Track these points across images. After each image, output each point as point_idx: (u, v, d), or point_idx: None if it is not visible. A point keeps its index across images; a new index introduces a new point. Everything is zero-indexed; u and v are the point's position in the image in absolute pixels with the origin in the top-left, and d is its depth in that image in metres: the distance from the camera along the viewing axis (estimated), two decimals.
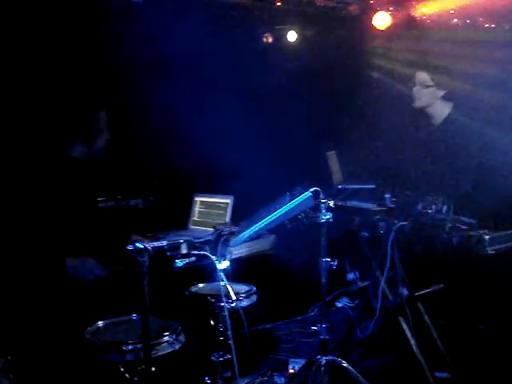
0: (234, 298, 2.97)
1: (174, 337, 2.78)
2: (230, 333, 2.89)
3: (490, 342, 3.93)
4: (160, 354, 2.69)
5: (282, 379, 4.07)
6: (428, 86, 4.29)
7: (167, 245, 2.53)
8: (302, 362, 4.12)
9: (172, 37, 4.47)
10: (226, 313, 2.88)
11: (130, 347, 2.64)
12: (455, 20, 5.01)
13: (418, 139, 4.42)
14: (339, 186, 4.64)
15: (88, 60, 4.45)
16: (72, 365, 3.03)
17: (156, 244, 2.44)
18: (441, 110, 4.35)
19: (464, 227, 3.54)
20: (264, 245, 4.24)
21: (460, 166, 4.07)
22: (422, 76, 4.32)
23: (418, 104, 4.38)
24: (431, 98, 4.33)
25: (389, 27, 4.92)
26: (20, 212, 3.27)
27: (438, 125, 4.37)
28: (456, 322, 4.06)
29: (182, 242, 2.61)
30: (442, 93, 4.31)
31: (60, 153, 3.62)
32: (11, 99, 4.21)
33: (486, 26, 4.97)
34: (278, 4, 4.73)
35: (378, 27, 4.88)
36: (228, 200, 4.50)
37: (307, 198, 3.16)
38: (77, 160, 3.66)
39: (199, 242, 3.87)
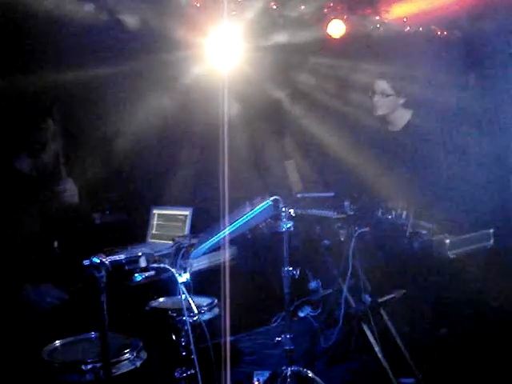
0: (195, 311, 2.90)
1: (134, 354, 2.71)
2: (192, 347, 2.82)
3: (452, 346, 3.96)
4: (121, 371, 2.61)
5: None
6: (388, 95, 4.30)
7: (125, 259, 2.45)
8: (267, 373, 4.08)
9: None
10: (189, 327, 2.81)
11: (90, 366, 2.55)
12: (408, 28, 5.08)
13: (376, 146, 4.43)
14: (298, 195, 4.62)
15: (33, 68, 4.31)
16: None
17: (114, 258, 2.36)
18: (401, 118, 4.38)
19: (424, 232, 3.56)
20: (224, 256, 4.18)
21: (419, 171, 4.10)
22: (382, 85, 4.32)
23: (378, 112, 4.38)
24: (392, 106, 4.35)
25: (343, 36, 4.92)
26: None
27: (397, 131, 4.40)
28: (419, 327, 4.07)
29: (140, 256, 2.54)
30: (402, 100, 4.33)
31: (3, 166, 3.49)
32: None
33: (439, 33, 5.06)
34: None
35: (332, 35, 4.88)
36: (187, 212, 4.43)
37: (267, 207, 3.12)
38: (23, 174, 3.54)
39: (159, 256, 3.80)
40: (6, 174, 3.48)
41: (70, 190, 3.69)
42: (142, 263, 2.55)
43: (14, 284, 3.16)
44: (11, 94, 3.72)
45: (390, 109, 4.36)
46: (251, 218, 3.10)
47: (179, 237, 3.64)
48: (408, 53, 4.64)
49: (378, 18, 5.01)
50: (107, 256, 2.33)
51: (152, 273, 2.71)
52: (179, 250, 3.21)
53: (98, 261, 2.24)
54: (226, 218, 3.17)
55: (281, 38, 4.73)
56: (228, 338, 3.17)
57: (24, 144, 3.51)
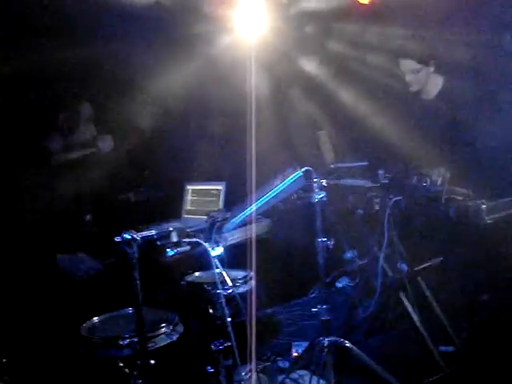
0: (230, 284, 2.91)
1: (171, 328, 2.74)
2: (228, 320, 2.84)
3: (493, 313, 3.90)
4: (158, 345, 2.64)
5: (286, 363, 4.04)
6: (419, 71, 4.18)
7: (156, 234, 2.46)
8: (305, 344, 4.09)
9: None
10: (223, 299, 2.83)
11: (127, 341, 2.59)
12: None
13: (410, 114, 4.35)
14: (331, 165, 4.59)
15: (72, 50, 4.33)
16: (69, 363, 2.97)
17: (145, 234, 2.37)
18: (433, 86, 4.26)
19: (460, 198, 3.50)
20: (259, 229, 4.18)
21: (454, 137, 4.01)
22: (408, 63, 4.20)
23: (415, 89, 4.27)
24: (425, 77, 4.22)
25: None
26: (6, 210, 3.20)
27: (431, 99, 4.30)
28: (457, 295, 4.02)
29: (171, 230, 2.55)
30: (432, 68, 4.20)
31: (33, 145, 3.53)
32: None
33: None
34: None
35: (360, 1, 4.77)
36: (220, 187, 4.44)
37: (298, 178, 3.10)
38: (54, 154, 3.58)
39: (193, 231, 3.82)
40: (35, 153, 3.52)
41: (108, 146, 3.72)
42: (174, 238, 2.56)
43: (49, 254, 3.21)
44: (43, 73, 3.76)
45: (423, 81, 4.23)
46: (282, 190, 3.08)
47: (213, 211, 3.63)
48: (437, 12, 4.50)
49: None
50: (139, 232, 2.34)
51: (185, 248, 2.72)
52: (213, 225, 3.21)
53: (129, 237, 2.25)
54: (256, 191, 3.16)
55: (306, 5, 4.65)
56: (253, 311, 3.16)
57: (54, 123, 3.54)
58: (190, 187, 4.65)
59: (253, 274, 3.30)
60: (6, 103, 3.93)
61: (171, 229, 2.56)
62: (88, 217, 3.74)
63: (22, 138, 3.57)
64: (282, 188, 3.07)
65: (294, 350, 4.15)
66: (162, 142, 4.80)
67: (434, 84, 4.26)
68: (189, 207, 4.62)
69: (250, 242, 3.90)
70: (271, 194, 3.06)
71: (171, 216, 4.59)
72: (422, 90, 4.29)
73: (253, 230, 3.38)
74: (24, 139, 3.55)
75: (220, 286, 2.83)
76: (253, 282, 3.27)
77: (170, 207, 4.73)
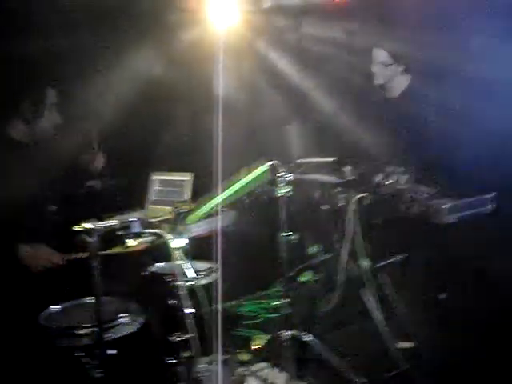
0: (190, 276, 2.91)
1: (131, 318, 2.73)
2: (188, 311, 2.84)
3: (450, 312, 3.96)
4: (117, 336, 2.63)
5: (247, 356, 4.05)
6: (388, 65, 4.25)
7: (118, 224, 2.45)
8: (266, 337, 4.11)
9: None
10: (183, 291, 2.82)
11: (86, 331, 2.58)
12: None
13: (376, 111, 4.39)
14: (298, 160, 4.60)
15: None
16: (28, 352, 2.94)
17: (106, 223, 2.36)
18: (399, 84, 4.33)
19: (423, 197, 3.54)
20: (224, 221, 4.17)
21: (418, 136, 4.05)
22: (381, 54, 4.26)
23: (378, 82, 4.33)
24: (392, 74, 4.29)
25: None
26: None
27: (396, 97, 4.35)
28: (417, 293, 4.08)
29: (133, 221, 2.53)
30: (401, 68, 4.27)
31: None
32: None
33: None
34: None
35: None
36: (186, 177, 4.42)
37: (264, 172, 3.10)
38: (16, 141, 3.52)
39: (158, 221, 3.80)
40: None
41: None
42: (136, 228, 2.55)
43: (9, 244, 3.16)
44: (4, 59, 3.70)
45: (390, 77, 4.30)
46: (248, 183, 3.09)
47: (179, 202, 3.62)
48: (411, 12, 4.54)
49: None
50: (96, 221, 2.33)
51: (147, 239, 2.71)
52: (178, 216, 3.20)
53: (90, 226, 2.23)
54: (222, 184, 3.16)
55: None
56: (219, 303, 3.17)
57: (17, 110, 3.47)
58: (155, 177, 4.62)
59: (216, 266, 3.30)
60: None
61: (133, 219, 2.55)
62: (52, 206, 3.68)
63: None
64: (248, 181, 3.08)
65: (254, 343, 4.16)
66: (128, 131, 4.75)
67: (399, 82, 4.32)
68: (154, 197, 4.59)
69: (215, 233, 3.92)
70: (237, 186, 3.06)
71: (136, 206, 4.56)
72: (386, 86, 4.35)
73: (218, 222, 3.37)
74: None
75: (181, 278, 2.83)
76: (216, 275, 3.28)
77: (135, 197, 4.69)
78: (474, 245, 3.75)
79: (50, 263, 3.24)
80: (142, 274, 3.25)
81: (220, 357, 3.28)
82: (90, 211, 3.92)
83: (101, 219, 3.98)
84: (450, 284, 3.91)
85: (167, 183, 4.54)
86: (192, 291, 3.01)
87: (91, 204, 4.48)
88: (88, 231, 2.22)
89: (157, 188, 4.59)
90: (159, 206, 4.48)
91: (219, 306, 3.29)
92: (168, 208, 3.98)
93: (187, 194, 4.39)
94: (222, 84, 4.02)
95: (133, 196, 4.72)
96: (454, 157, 3.89)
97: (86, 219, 3.65)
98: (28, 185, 3.45)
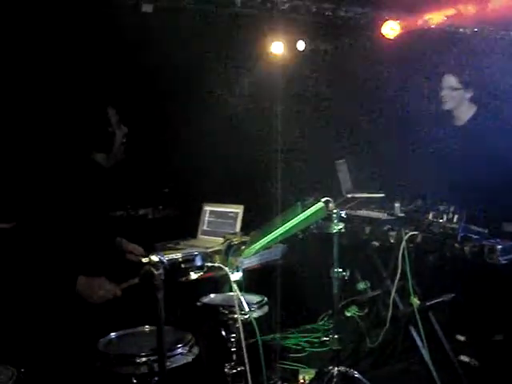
0: (247, 309, 2.96)
1: (187, 348, 2.78)
2: (243, 344, 2.88)
3: (507, 353, 3.91)
4: (173, 365, 2.68)
5: None
6: (456, 89, 4.38)
7: (182, 257, 2.52)
8: (313, 371, 4.12)
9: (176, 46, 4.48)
10: (240, 324, 2.87)
11: (144, 359, 2.64)
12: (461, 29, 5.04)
13: (436, 142, 4.44)
14: (348, 195, 4.64)
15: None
16: (85, 378, 3.01)
17: (171, 256, 2.43)
18: (466, 112, 4.45)
19: (475, 237, 3.53)
20: (274, 254, 4.22)
21: (474, 173, 4.05)
22: (450, 79, 4.40)
23: (446, 107, 4.47)
24: (459, 100, 4.42)
25: (397, 36, 4.91)
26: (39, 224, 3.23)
27: (460, 126, 4.47)
28: (471, 333, 4.05)
29: (196, 255, 2.60)
30: (469, 95, 4.40)
31: (84, 158, 3.54)
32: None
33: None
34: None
35: (387, 36, 4.88)
36: (238, 209, 4.49)
37: (320, 209, 3.14)
38: (100, 166, 3.59)
39: (210, 252, 3.86)
40: (87, 167, 3.54)
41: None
42: (198, 262, 2.61)
43: (70, 276, 3.24)
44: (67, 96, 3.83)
45: (457, 102, 4.43)
46: (303, 220, 3.13)
47: (230, 234, 3.68)
48: (472, 52, 4.64)
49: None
50: (163, 254, 2.39)
51: (206, 270, 2.77)
52: (230, 248, 3.25)
53: (157, 259, 2.30)
54: (278, 218, 3.20)
55: (337, 40, 4.75)
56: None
57: (93, 142, 3.56)
58: (207, 208, 4.70)
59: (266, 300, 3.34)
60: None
61: (196, 253, 2.61)
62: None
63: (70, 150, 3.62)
64: (303, 217, 3.12)
65: (301, 377, 4.17)
66: (184, 161, 4.86)
67: (466, 110, 4.44)
68: (205, 227, 4.67)
69: (266, 266, 3.96)
70: (293, 222, 3.10)
71: (187, 235, 4.65)
72: (456, 115, 4.45)
73: (275, 256, 3.41)
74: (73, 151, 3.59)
75: (238, 311, 2.87)
76: (267, 307, 3.31)
77: (187, 226, 4.78)
78: None
79: (109, 296, 3.30)
80: (196, 304, 3.29)
81: None
82: (141, 238, 4.07)
83: (153, 247, 4.13)
84: (503, 325, 3.88)
85: (218, 214, 4.62)
86: (244, 323, 3.04)
87: (143, 231, 4.59)
88: (154, 264, 2.29)
89: (208, 218, 4.67)
90: (210, 237, 4.56)
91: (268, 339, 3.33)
92: (218, 239, 4.06)
93: (238, 226, 4.46)
94: (280, 119, 4.09)
95: (184, 225, 4.80)
96: (506, 198, 3.90)
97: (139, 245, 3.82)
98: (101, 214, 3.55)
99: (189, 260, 2.55)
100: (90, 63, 4.41)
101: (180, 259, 2.50)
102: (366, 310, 4.96)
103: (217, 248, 3.89)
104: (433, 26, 4.99)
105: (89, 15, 4.17)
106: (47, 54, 4.28)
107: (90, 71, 4.34)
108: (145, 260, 2.32)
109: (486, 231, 3.61)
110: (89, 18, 4.19)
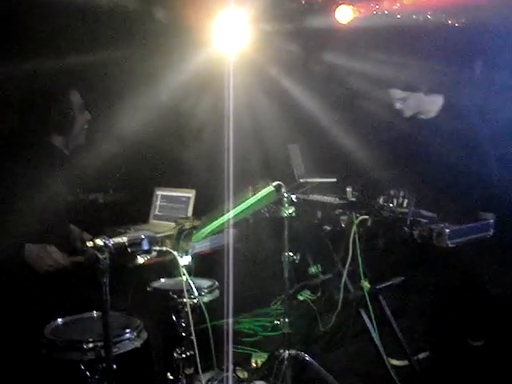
0: (196, 294, 2.94)
1: (135, 334, 2.75)
2: (192, 329, 2.86)
3: (450, 335, 4.00)
4: (121, 351, 2.65)
5: (245, 373, 4.07)
6: (406, 99, 4.20)
7: (128, 241, 2.48)
8: (265, 355, 4.14)
9: None
10: (189, 309, 2.85)
11: (91, 345, 2.60)
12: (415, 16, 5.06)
13: (381, 135, 4.44)
14: (301, 180, 4.64)
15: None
16: (31, 364, 2.95)
17: (117, 240, 2.39)
18: (432, 104, 4.24)
19: (424, 221, 3.57)
20: (226, 239, 4.21)
21: (423, 162, 4.09)
22: (395, 93, 4.22)
23: (408, 114, 4.27)
24: (417, 102, 4.22)
25: (350, 23, 4.91)
26: None
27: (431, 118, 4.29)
28: (416, 315, 4.12)
29: (143, 238, 2.57)
30: (422, 91, 4.20)
31: (42, 143, 3.50)
32: None
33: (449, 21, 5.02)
34: None
35: (340, 21, 4.87)
36: (190, 194, 4.46)
37: (270, 193, 3.14)
38: (59, 150, 3.57)
39: (161, 237, 3.83)
40: (44, 149, 3.52)
41: None
42: (145, 246, 2.58)
43: (17, 242, 3.18)
44: (30, 77, 3.75)
45: (416, 105, 4.23)
46: (254, 203, 3.12)
47: (182, 218, 3.65)
48: (421, 42, 4.59)
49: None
50: (110, 237, 2.35)
51: (154, 254, 2.74)
52: (181, 232, 3.22)
53: (102, 243, 2.26)
54: (230, 202, 3.18)
55: (290, 24, 4.71)
56: (231, 320, 3.20)
57: (52, 122, 3.52)
58: (159, 192, 4.66)
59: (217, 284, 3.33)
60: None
61: (143, 236, 2.58)
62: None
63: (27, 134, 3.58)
64: (254, 201, 3.11)
65: (253, 361, 4.19)
66: (135, 146, 4.79)
67: (432, 103, 4.25)
68: (157, 212, 4.63)
69: (218, 250, 3.94)
70: (244, 206, 3.09)
71: (138, 220, 4.60)
72: (420, 112, 4.30)
73: (226, 240, 3.39)
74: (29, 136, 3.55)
75: (187, 295, 2.85)
76: (217, 292, 3.30)
77: (138, 211, 4.73)
78: (475, 269, 3.81)
79: (55, 262, 3.24)
80: (146, 289, 3.25)
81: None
82: (92, 223, 4.01)
83: (103, 232, 4.06)
84: (450, 308, 3.96)
85: (170, 199, 4.58)
86: (194, 308, 3.03)
87: (93, 216, 4.52)
88: (100, 247, 2.25)
89: (160, 203, 4.63)
90: (162, 221, 4.52)
91: (229, 322, 3.33)
92: (170, 224, 4.02)
93: (190, 211, 4.43)
94: (231, 103, 4.06)
95: (136, 210, 4.75)
96: (458, 183, 3.95)
97: (87, 230, 3.77)
98: (59, 193, 3.49)
99: (135, 244, 2.52)
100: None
101: (126, 243, 2.47)
102: (319, 294, 4.99)
103: (168, 233, 3.89)
104: (386, 12, 4.98)
105: None
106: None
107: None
108: (89, 244, 2.28)
109: (435, 215, 3.66)
110: None
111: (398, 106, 4.25)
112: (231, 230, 4.16)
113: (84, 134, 3.68)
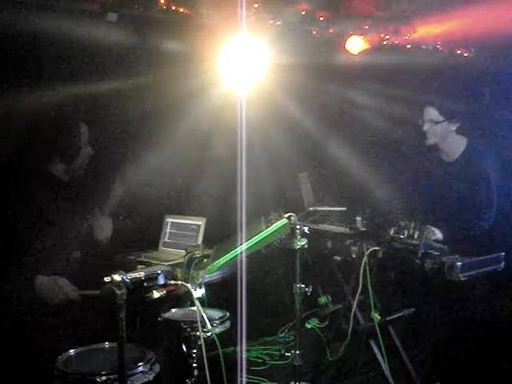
0: (209, 326, 2.93)
1: (148, 367, 2.75)
2: (205, 361, 2.85)
3: (461, 366, 3.97)
4: None
5: None
6: (438, 122, 4.19)
7: (145, 276, 2.49)
8: None
9: None
10: (202, 342, 2.84)
11: (104, 378, 2.59)
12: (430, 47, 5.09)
13: (393, 167, 4.46)
14: (310, 208, 4.65)
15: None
16: None
17: (133, 275, 2.40)
18: (456, 146, 4.27)
19: (436, 253, 3.57)
20: (236, 268, 4.20)
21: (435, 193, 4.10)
22: (431, 112, 4.20)
23: (430, 141, 4.27)
24: (444, 133, 4.22)
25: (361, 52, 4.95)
26: None
27: (452, 161, 4.32)
28: (428, 347, 4.10)
29: (159, 273, 2.57)
30: (454, 127, 4.22)
31: (41, 170, 3.56)
32: None
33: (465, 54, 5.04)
34: None
35: (350, 51, 4.91)
36: (200, 222, 4.47)
37: (283, 225, 3.13)
38: (58, 178, 3.61)
39: (171, 265, 3.83)
40: (43, 177, 3.59)
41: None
42: (161, 280, 2.58)
43: (28, 273, 3.19)
44: (46, 105, 3.80)
45: (442, 136, 4.24)
46: (268, 236, 3.11)
47: (192, 247, 3.66)
48: (446, 75, 4.59)
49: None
50: (127, 272, 2.36)
51: (170, 289, 2.74)
52: (192, 260, 3.23)
53: (120, 278, 2.27)
54: (243, 233, 3.18)
55: (305, 56, 4.73)
56: (244, 351, 3.19)
57: (58, 150, 3.57)
58: (169, 220, 4.66)
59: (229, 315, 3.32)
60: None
61: (159, 271, 2.58)
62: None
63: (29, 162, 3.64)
64: (267, 234, 3.10)
65: None
66: (145, 173, 4.81)
67: (456, 144, 4.27)
68: (167, 239, 4.63)
69: (227, 280, 3.94)
70: (257, 239, 3.08)
71: (148, 247, 4.60)
72: (441, 147, 4.32)
73: (237, 270, 3.38)
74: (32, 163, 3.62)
75: (200, 328, 2.84)
76: (229, 323, 3.29)
77: (148, 238, 4.73)
78: (487, 302, 3.80)
79: (66, 296, 3.24)
80: (154, 318, 3.25)
81: None
82: (103, 250, 4.02)
83: (112, 259, 4.07)
84: (461, 340, 3.93)
85: (180, 226, 4.58)
86: (206, 340, 3.02)
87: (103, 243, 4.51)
88: (117, 284, 2.25)
89: (170, 230, 4.63)
90: (172, 249, 4.52)
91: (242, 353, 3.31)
92: (180, 251, 4.03)
93: (200, 239, 4.44)
94: (244, 133, 4.08)
95: (146, 237, 4.75)
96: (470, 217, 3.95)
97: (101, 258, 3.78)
98: (60, 221, 3.52)
99: (151, 279, 2.52)
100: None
101: (143, 278, 2.47)
102: (327, 322, 4.96)
103: (179, 261, 3.89)
104: (396, 42, 5.01)
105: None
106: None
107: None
108: (107, 279, 2.28)
109: (446, 247, 3.66)
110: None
111: (425, 127, 4.23)
112: (244, 262, 4.19)
113: (84, 167, 3.73)
